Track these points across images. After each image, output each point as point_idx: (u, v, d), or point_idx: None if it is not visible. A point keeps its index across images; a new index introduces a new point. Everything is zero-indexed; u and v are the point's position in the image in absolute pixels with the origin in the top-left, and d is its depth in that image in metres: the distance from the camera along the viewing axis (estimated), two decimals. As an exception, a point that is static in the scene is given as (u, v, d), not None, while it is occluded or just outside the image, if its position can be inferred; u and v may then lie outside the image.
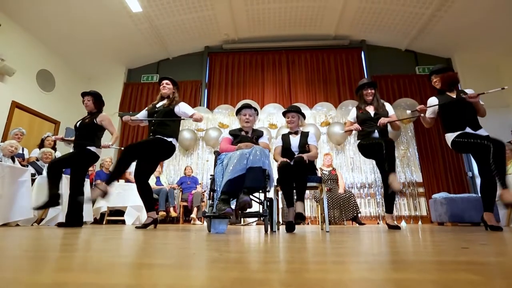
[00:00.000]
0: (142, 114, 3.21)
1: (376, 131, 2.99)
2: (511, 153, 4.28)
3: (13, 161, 3.87)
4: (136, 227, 3.05)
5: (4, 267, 0.69)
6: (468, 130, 2.70)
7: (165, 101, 3.16)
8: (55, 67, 6.20)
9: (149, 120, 3.08)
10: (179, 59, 7.46)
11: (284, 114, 3.02)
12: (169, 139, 2.97)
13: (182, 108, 3.10)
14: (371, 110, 3.14)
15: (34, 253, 0.97)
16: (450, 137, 2.79)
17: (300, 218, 2.38)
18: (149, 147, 2.94)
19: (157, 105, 3.15)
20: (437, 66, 3.01)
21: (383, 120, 2.94)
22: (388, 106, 3.18)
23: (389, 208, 3.03)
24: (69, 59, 6.54)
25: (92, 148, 3.22)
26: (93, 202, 3.22)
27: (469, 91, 2.88)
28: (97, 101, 3.39)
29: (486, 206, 2.58)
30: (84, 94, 3.38)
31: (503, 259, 0.86)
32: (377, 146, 2.87)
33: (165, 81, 3.22)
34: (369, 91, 3.17)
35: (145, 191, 3.04)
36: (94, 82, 7.25)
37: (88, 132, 3.24)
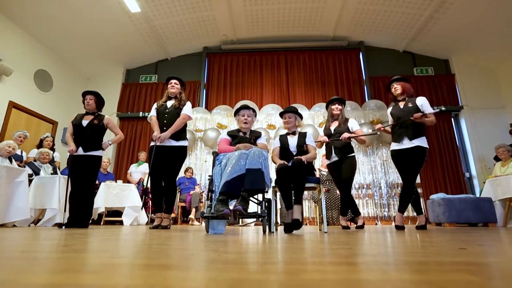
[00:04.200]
0: (152, 111, 3.23)
1: (333, 149, 3.27)
2: (508, 153, 4.30)
3: (11, 161, 3.85)
4: (152, 228, 3.01)
5: (0, 268, 0.68)
6: (404, 141, 2.97)
7: (174, 101, 3.20)
8: (53, 67, 6.17)
9: (159, 119, 3.13)
10: (177, 60, 7.46)
11: (281, 115, 3.04)
12: (183, 144, 3.11)
13: (186, 108, 3.18)
14: (334, 126, 3.37)
15: (31, 254, 0.96)
16: (391, 146, 3.16)
17: (297, 225, 2.39)
18: (171, 160, 3.07)
19: (168, 105, 3.18)
20: (396, 77, 3.26)
21: (345, 135, 3.16)
22: (352, 122, 3.35)
23: (344, 211, 3.44)
24: (67, 59, 6.52)
25: (99, 152, 3.29)
26: None
27: (420, 100, 3.01)
28: (99, 101, 3.43)
29: (400, 208, 3.02)
30: (86, 93, 3.39)
31: (500, 260, 0.87)
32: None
33: (173, 81, 3.27)
34: (337, 106, 3.40)
35: (162, 192, 3.12)
36: (92, 82, 7.24)
37: (95, 135, 3.26)
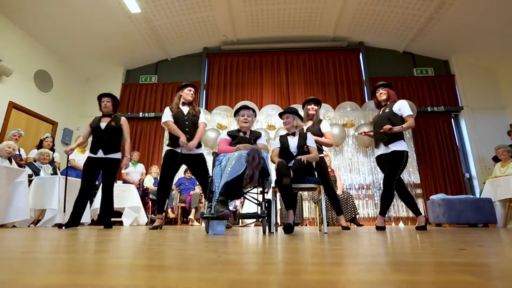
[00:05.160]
0: (169, 116, 3.21)
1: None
2: (508, 154, 4.30)
3: (10, 162, 3.85)
4: (152, 228, 3.07)
5: (0, 269, 0.68)
6: (380, 147, 3.04)
7: (189, 108, 3.27)
8: (53, 68, 6.17)
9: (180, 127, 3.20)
10: (177, 60, 7.45)
11: (280, 115, 3.04)
12: (202, 151, 3.29)
13: (202, 117, 3.28)
14: (308, 125, 3.41)
15: (31, 254, 0.96)
16: (374, 153, 3.24)
17: (288, 229, 2.42)
18: (197, 166, 3.21)
19: (184, 112, 3.23)
20: (381, 82, 3.29)
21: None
22: (323, 124, 3.38)
23: (339, 211, 3.39)
24: (67, 60, 6.52)
25: (118, 155, 3.33)
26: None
27: (397, 104, 3.03)
28: (116, 103, 3.48)
29: (381, 211, 3.03)
30: (103, 96, 3.42)
31: (500, 260, 0.87)
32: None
33: (193, 89, 3.34)
34: (313, 106, 3.43)
35: (167, 195, 3.25)
36: (92, 82, 7.24)
37: (114, 137, 3.31)
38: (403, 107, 2.98)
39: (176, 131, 3.08)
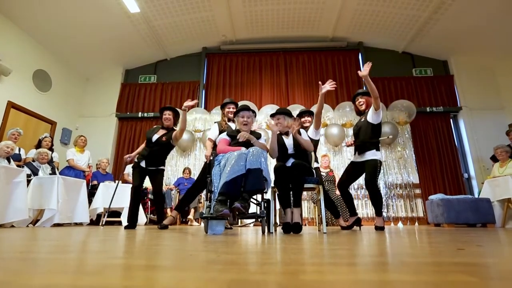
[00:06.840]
0: (216, 133, 3.25)
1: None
2: (506, 154, 4.32)
3: (9, 161, 3.84)
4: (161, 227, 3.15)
5: (-2, 269, 0.68)
6: (356, 154, 3.16)
7: (235, 124, 3.31)
8: (51, 67, 6.16)
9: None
10: (177, 60, 7.45)
11: (271, 117, 2.99)
12: None
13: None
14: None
15: (30, 254, 0.96)
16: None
17: (297, 229, 2.41)
18: None
19: (233, 128, 3.28)
20: (361, 90, 3.36)
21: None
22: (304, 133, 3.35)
23: (337, 214, 3.42)
24: (66, 59, 6.51)
25: (161, 167, 3.38)
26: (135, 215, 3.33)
27: (370, 111, 3.05)
28: (176, 117, 3.48)
29: (377, 212, 3.05)
30: (165, 109, 3.44)
31: (498, 261, 0.87)
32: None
33: (232, 106, 3.40)
34: (306, 118, 3.46)
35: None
36: (91, 82, 7.23)
37: (161, 152, 3.33)
38: (371, 110, 3.01)
39: (209, 149, 3.17)
